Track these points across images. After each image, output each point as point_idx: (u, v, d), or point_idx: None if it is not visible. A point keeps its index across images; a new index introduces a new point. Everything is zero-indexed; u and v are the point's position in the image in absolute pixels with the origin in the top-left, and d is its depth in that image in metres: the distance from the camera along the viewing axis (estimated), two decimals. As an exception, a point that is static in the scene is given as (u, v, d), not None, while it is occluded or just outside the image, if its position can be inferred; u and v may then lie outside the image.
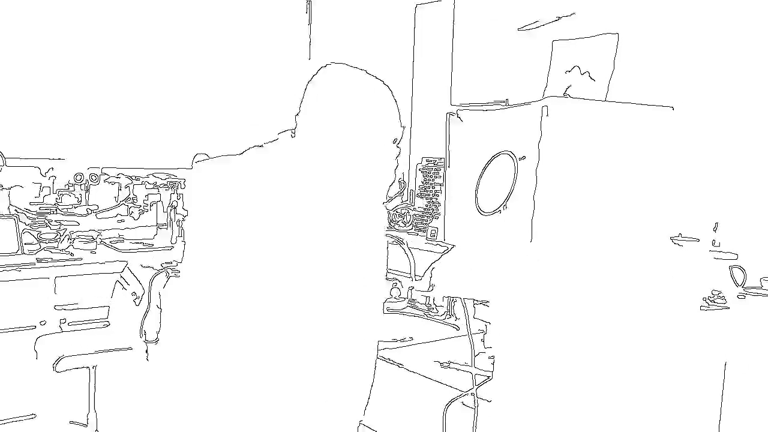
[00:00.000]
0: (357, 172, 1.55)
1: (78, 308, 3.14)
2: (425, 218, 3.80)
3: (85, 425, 3.10)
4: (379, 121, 1.55)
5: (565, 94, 2.58)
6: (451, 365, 2.22)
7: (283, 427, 1.46)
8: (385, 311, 2.81)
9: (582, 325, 1.96)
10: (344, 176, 1.54)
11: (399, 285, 3.05)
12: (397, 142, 1.60)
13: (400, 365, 2.19)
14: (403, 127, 1.61)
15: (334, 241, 1.49)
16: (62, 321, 3.10)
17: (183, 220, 3.72)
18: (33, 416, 3.00)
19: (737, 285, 2.45)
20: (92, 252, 3.33)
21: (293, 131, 1.54)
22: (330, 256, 1.49)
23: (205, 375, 1.49)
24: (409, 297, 2.96)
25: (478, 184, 2.15)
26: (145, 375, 3.09)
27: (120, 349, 3.14)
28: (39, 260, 3.10)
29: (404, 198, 4.06)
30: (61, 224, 3.50)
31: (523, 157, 1.98)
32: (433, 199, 3.80)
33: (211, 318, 1.47)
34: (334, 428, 1.51)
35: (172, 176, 3.90)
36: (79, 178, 3.64)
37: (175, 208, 3.80)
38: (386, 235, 1.60)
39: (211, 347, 1.48)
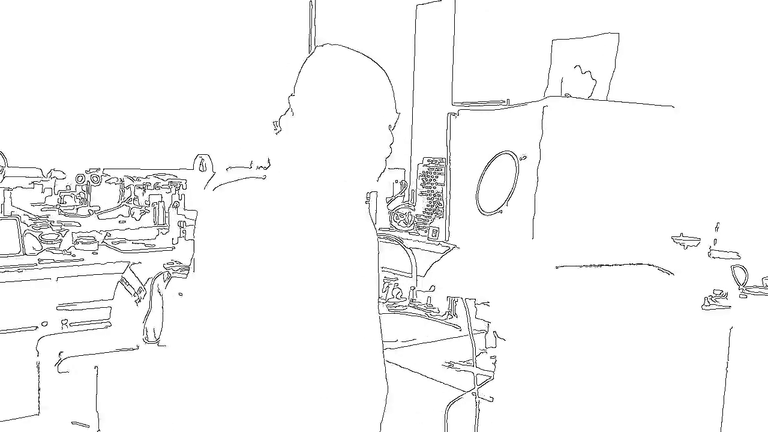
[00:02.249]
0: (347, 159, 1.49)
1: (80, 309, 3.15)
2: (426, 218, 3.81)
3: (87, 425, 3.10)
4: (373, 104, 1.50)
5: (565, 94, 2.57)
6: (453, 365, 2.22)
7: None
8: (387, 311, 2.81)
9: (583, 324, 1.96)
10: (334, 163, 1.49)
11: (400, 285, 3.05)
12: (392, 128, 1.55)
13: (401, 365, 2.19)
14: (399, 113, 1.56)
15: (327, 234, 1.46)
16: (64, 321, 3.11)
17: (185, 220, 3.72)
18: (35, 416, 3.00)
19: (739, 284, 2.45)
20: (94, 253, 3.34)
21: (290, 111, 1.51)
22: (324, 249, 1.46)
23: (211, 380, 1.49)
24: (411, 297, 2.96)
25: (479, 184, 2.15)
26: (151, 379, 3.10)
27: (122, 350, 3.14)
28: (41, 261, 3.11)
29: (405, 198, 4.06)
30: (62, 225, 3.50)
31: (524, 157, 1.98)
32: (434, 199, 3.80)
33: (221, 320, 1.47)
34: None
35: (173, 177, 3.90)
36: (80, 179, 3.65)
37: (176, 208, 3.80)
38: (385, 234, 1.58)
39: (219, 350, 1.47)
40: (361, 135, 1.49)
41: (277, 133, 1.54)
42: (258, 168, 3.99)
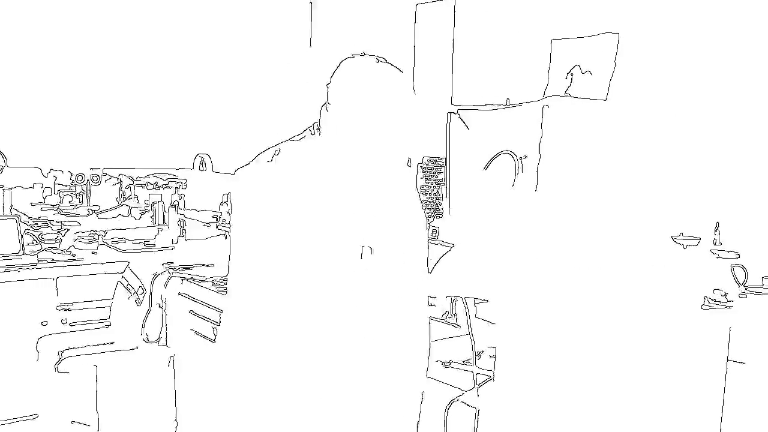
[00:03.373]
0: (388, 163, 1.62)
1: (79, 308, 3.14)
2: (426, 217, 3.80)
3: (87, 425, 3.10)
4: (403, 110, 1.62)
5: (565, 94, 2.57)
6: (453, 364, 2.22)
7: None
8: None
9: (584, 323, 1.96)
10: (377, 168, 1.59)
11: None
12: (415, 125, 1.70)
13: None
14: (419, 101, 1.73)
15: (379, 233, 1.54)
16: (64, 321, 3.11)
17: (184, 220, 3.72)
18: (35, 416, 3.00)
19: (739, 284, 2.45)
20: (93, 252, 3.33)
21: (317, 126, 1.60)
22: (373, 249, 1.54)
23: (261, 376, 1.53)
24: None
25: (479, 183, 2.15)
26: (150, 376, 3.10)
27: (122, 349, 3.14)
28: (40, 261, 3.10)
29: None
30: (62, 225, 3.50)
31: (525, 157, 1.98)
32: (435, 199, 3.80)
33: (268, 323, 1.51)
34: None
35: (173, 176, 3.90)
36: (80, 178, 3.65)
37: (176, 208, 3.80)
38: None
39: (269, 349, 1.51)
40: (389, 140, 1.61)
41: (306, 139, 1.63)
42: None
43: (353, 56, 1.65)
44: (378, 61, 1.65)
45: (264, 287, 1.50)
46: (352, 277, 1.51)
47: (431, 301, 2.86)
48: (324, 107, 1.62)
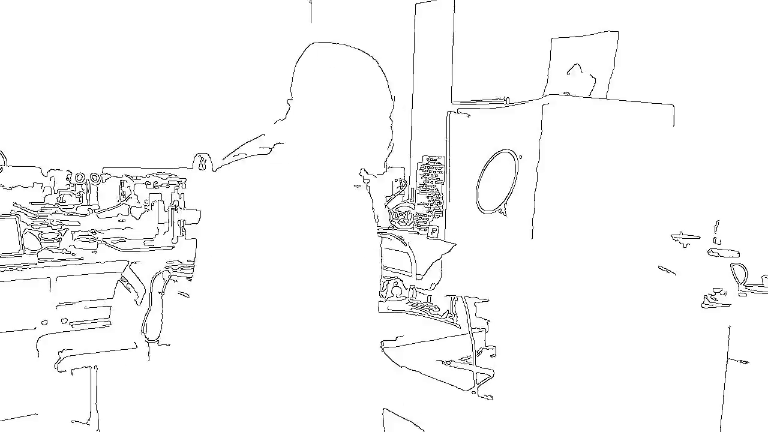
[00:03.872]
0: (349, 149, 1.51)
1: (79, 308, 3.15)
2: (426, 216, 3.80)
3: (87, 424, 3.10)
4: (368, 94, 1.51)
5: (565, 92, 2.57)
6: (453, 364, 2.22)
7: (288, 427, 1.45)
8: (387, 310, 2.81)
9: (583, 323, 1.96)
10: (335, 153, 1.50)
11: (400, 284, 3.05)
12: (389, 114, 1.58)
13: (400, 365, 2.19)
14: (394, 98, 1.60)
15: (333, 229, 1.46)
16: (63, 320, 3.10)
17: (185, 219, 3.72)
18: (35, 415, 3.00)
19: (738, 283, 2.45)
20: (93, 252, 3.33)
21: (285, 116, 1.53)
22: (330, 245, 1.45)
23: (212, 378, 1.48)
24: (410, 296, 2.96)
25: (478, 182, 2.15)
26: (150, 376, 3.09)
27: (122, 349, 3.14)
28: (40, 260, 3.10)
29: (405, 196, 4.06)
30: (62, 224, 3.50)
31: (520, 157, 1.98)
32: (434, 198, 3.80)
33: (225, 321, 1.46)
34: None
35: (172, 176, 3.90)
36: (80, 177, 3.65)
37: (176, 207, 3.80)
38: (385, 233, 1.59)
39: (222, 349, 1.47)
40: (360, 125, 1.50)
41: (275, 123, 1.56)
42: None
43: (319, 42, 1.53)
44: (346, 47, 1.52)
45: (227, 293, 1.44)
46: (315, 282, 1.42)
47: (429, 294, 2.86)
48: (288, 99, 1.53)
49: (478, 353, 2.16)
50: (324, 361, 1.45)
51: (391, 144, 1.58)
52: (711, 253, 2.55)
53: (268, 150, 1.54)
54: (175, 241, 3.63)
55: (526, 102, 2.00)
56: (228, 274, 1.45)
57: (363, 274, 1.48)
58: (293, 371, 1.43)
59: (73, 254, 3.24)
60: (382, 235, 2.27)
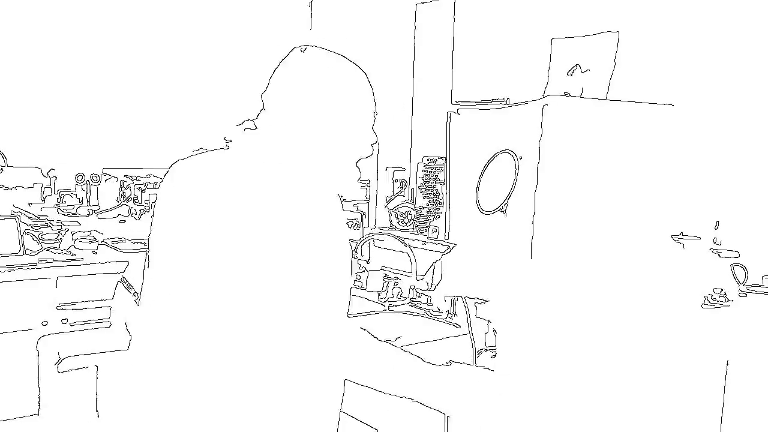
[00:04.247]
0: (319, 158, 1.46)
1: (79, 308, 3.15)
2: (426, 217, 3.80)
3: (88, 424, 3.10)
4: (349, 104, 1.45)
5: (565, 93, 2.57)
6: (452, 364, 2.22)
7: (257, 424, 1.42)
8: (387, 310, 2.81)
9: (584, 323, 1.96)
10: (305, 162, 1.45)
11: (400, 284, 3.05)
12: (371, 126, 1.52)
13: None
14: (376, 114, 1.53)
15: (304, 233, 1.40)
16: (64, 321, 3.11)
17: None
18: (35, 416, 3.00)
19: (739, 283, 2.44)
20: (93, 252, 3.34)
21: (256, 116, 1.50)
22: (300, 248, 1.41)
23: (175, 377, 1.46)
24: (411, 296, 2.96)
25: (478, 183, 2.15)
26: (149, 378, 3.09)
27: (122, 350, 3.14)
28: (40, 261, 3.10)
29: (405, 197, 4.06)
30: (62, 225, 3.50)
31: (521, 157, 1.98)
32: (434, 198, 3.80)
33: (182, 319, 1.43)
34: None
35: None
36: (80, 178, 3.65)
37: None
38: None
39: (182, 348, 1.44)
40: (334, 135, 1.45)
41: (244, 130, 1.52)
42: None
43: (302, 46, 1.47)
44: (329, 52, 1.46)
45: (178, 287, 1.40)
46: (277, 285, 1.37)
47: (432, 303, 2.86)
48: (262, 95, 1.49)
49: (478, 354, 2.16)
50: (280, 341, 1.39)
51: (366, 158, 1.53)
52: (711, 253, 2.55)
53: (225, 147, 1.51)
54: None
55: (526, 102, 2.00)
56: (181, 266, 1.41)
57: (324, 260, 1.41)
58: (251, 348, 1.38)
59: (74, 255, 3.24)
60: (376, 237, 2.26)
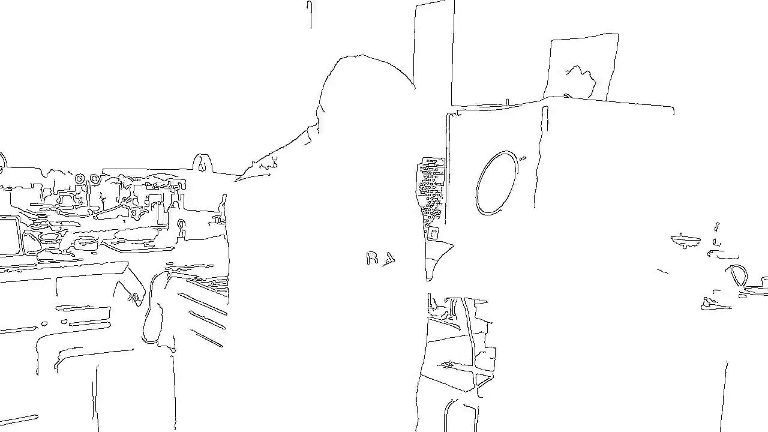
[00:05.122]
0: (388, 166, 1.59)
1: (79, 309, 3.15)
2: (426, 218, 3.80)
3: (88, 424, 3.10)
4: (403, 110, 1.59)
5: (565, 95, 2.58)
6: (453, 365, 2.22)
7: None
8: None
9: (583, 324, 1.96)
10: (377, 171, 1.58)
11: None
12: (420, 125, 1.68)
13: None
14: (423, 111, 1.71)
15: (374, 233, 1.54)
16: (63, 322, 3.10)
17: (184, 220, 3.72)
18: (35, 417, 3.00)
19: (738, 284, 2.45)
20: (93, 253, 3.33)
21: (316, 128, 1.58)
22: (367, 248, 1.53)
23: (265, 377, 1.54)
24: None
25: (478, 184, 2.15)
26: (149, 378, 3.10)
27: (121, 350, 3.14)
28: (40, 261, 3.10)
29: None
30: (61, 225, 3.50)
31: (524, 158, 1.98)
32: (434, 199, 3.80)
33: (271, 324, 1.51)
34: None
35: (172, 177, 3.90)
36: (80, 179, 3.65)
37: (175, 208, 3.80)
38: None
39: (272, 355, 1.52)
40: (390, 135, 1.58)
41: (305, 145, 1.60)
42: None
43: (349, 57, 1.61)
44: (375, 61, 1.62)
45: (266, 297, 1.50)
46: (359, 282, 1.50)
47: (433, 304, 2.86)
48: (318, 109, 1.60)
49: (478, 355, 2.16)
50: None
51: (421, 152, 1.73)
52: (711, 255, 2.55)
53: (270, 166, 1.58)
54: (174, 242, 3.63)
55: (526, 104, 2.00)
56: (273, 276, 1.51)
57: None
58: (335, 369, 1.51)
59: (73, 255, 3.24)
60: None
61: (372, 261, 1.53)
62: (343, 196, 1.52)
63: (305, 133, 1.61)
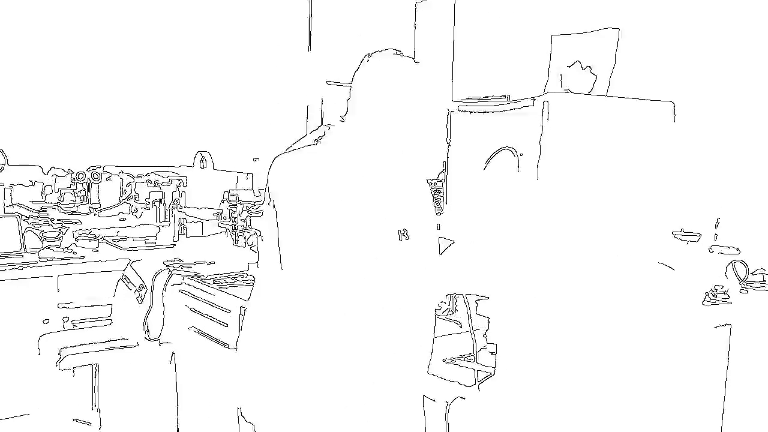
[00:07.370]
0: (414, 158, 1.68)
1: (81, 306, 3.15)
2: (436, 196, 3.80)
3: (89, 423, 3.11)
4: (430, 104, 1.66)
5: (565, 90, 2.57)
6: (454, 361, 2.22)
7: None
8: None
9: (584, 320, 1.96)
10: (403, 162, 1.66)
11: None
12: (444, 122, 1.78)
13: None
14: (449, 108, 1.81)
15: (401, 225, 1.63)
16: (65, 319, 3.11)
17: (185, 217, 3.72)
18: (36, 414, 3.01)
19: (739, 280, 2.45)
20: (94, 250, 3.34)
21: (342, 118, 1.66)
22: (397, 239, 1.62)
23: (303, 368, 1.60)
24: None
25: (479, 180, 2.15)
26: (151, 376, 3.10)
27: (123, 347, 3.15)
28: (41, 259, 3.11)
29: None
30: (63, 223, 3.50)
31: (521, 154, 1.98)
32: (434, 195, 3.80)
33: (314, 312, 1.58)
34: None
35: (173, 173, 3.90)
36: (81, 176, 3.65)
37: (177, 205, 3.80)
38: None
39: (311, 340, 1.58)
40: (416, 131, 1.65)
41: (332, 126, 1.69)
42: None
43: (376, 52, 1.68)
44: (396, 54, 1.68)
45: (314, 268, 1.56)
46: (392, 259, 1.59)
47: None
48: (348, 102, 1.66)
49: (479, 351, 2.16)
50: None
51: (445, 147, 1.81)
52: (711, 250, 2.55)
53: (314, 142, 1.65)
54: (176, 239, 3.64)
55: (526, 99, 2.00)
56: (319, 262, 1.58)
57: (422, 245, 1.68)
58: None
59: (75, 253, 3.25)
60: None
61: (403, 237, 1.60)
62: (380, 176, 1.61)
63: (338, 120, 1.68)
